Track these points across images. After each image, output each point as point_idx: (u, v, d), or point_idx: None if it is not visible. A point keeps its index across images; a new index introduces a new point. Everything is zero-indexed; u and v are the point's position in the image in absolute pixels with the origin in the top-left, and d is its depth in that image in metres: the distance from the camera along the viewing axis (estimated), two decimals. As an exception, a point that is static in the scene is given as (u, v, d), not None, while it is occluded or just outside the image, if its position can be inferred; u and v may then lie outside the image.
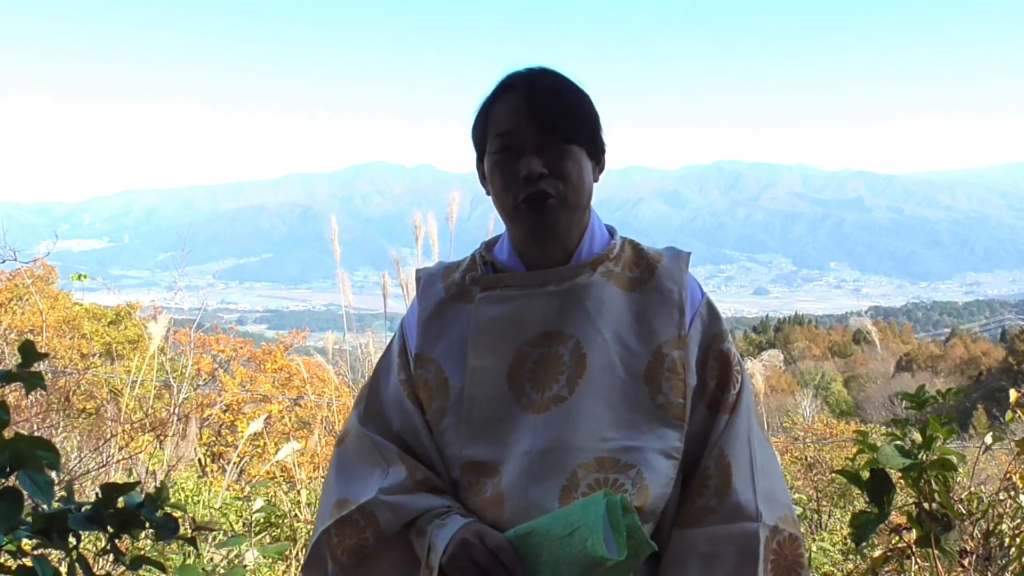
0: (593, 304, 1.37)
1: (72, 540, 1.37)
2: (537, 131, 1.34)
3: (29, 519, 1.34)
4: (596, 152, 1.41)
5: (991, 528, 2.53)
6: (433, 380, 1.40)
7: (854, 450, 2.87)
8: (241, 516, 4.32)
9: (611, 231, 1.48)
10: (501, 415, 1.35)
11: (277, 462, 5.43)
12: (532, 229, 1.37)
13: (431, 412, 1.39)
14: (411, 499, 1.34)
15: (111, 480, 4.02)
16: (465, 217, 4.08)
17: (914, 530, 2.15)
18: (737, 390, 1.40)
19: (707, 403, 1.39)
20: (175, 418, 5.23)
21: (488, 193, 1.42)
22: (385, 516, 1.35)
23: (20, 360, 1.35)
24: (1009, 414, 2.72)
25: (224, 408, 8.43)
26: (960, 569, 2.40)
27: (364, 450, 1.43)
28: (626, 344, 1.36)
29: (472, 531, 1.28)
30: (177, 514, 1.49)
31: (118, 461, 4.79)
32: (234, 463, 5.48)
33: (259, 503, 4.02)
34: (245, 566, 3.42)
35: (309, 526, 3.97)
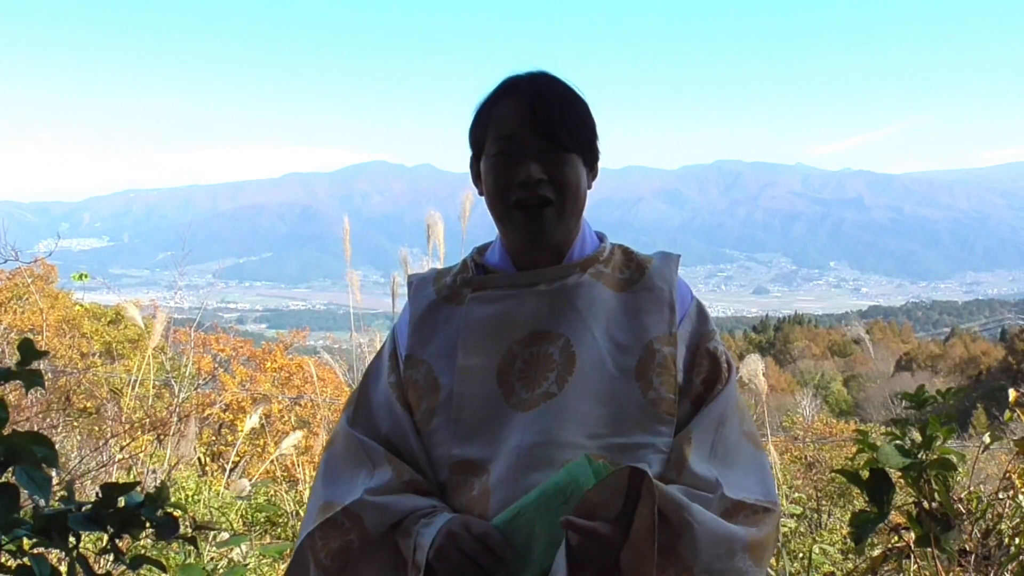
0: (583, 303, 1.38)
1: (72, 540, 1.37)
2: (538, 137, 1.35)
3: (29, 519, 1.34)
4: (592, 160, 1.42)
5: (990, 527, 2.54)
6: (423, 380, 1.40)
7: (854, 449, 2.88)
8: (240, 514, 4.33)
9: (601, 237, 1.49)
10: (491, 414, 1.35)
11: (279, 462, 5.44)
12: (526, 233, 1.38)
13: (420, 412, 1.39)
14: (397, 500, 1.34)
15: (111, 480, 4.03)
16: (464, 216, 4.07)
17: (913, 529, 2.16)
18: (722, 387, 1.40)
19: (692, 400, 1.39)
20: (175, 418, 5.23)
21: (481, 193, 1.43)
22: (370, 517, 1.34)
23: (19, 358, 1.36)
24: (1008, 414, 2.72)
25: (224, 407, 8.44)
26: (959, 568, 2.40)
27: (351, 451, 1.42)
28: (616, 341, 1.36)
29: (458, 523, 1.28)
30: (177, 514, 1.49)
31: (118, 461, 4.79)
32: (234, 462, 5.48)
33: (244, 484, 3.99)
34: (246, 565, 3.42)
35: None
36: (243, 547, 3.44)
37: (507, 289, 1.40)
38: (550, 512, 1.22)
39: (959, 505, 2.37)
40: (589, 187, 1.43)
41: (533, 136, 1.35)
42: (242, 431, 8.10)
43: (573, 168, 1.37)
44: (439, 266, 4.44)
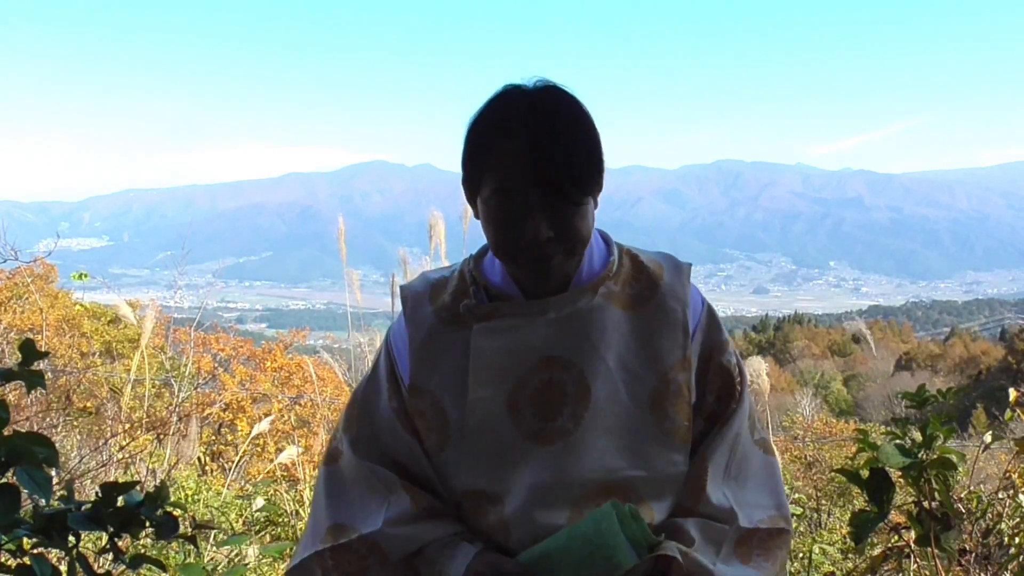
0: (596, 330, 1.32)
1: (72, 539, 1.37)
2: (542, 191, 1.22)
3: (29, 518, 1.34)
4: (600, 186, 1.30)
5: (990, 527, 2.54)
6: (430, 412, 1.34)
7: (854, 449, 2.87)
8: (242, 515, 4.33)
9: (607, 240, 1.41)
10: (502, 443, 1.31)
11: (279, 461, 5.43)
12: (532, 278, 1.31)
13: (429, 443, 1.35)
14: (418, 530, 1.32)
15: (111, 479, 4.03)
16: (465, 217, 4.06)
17: (913, 529, 2.15)
18: (735, 404, 1.38)
19: (705, 417, 1.36)
20: (175, 417, 5.24)
21: (476, 216, 1.32)
22: (390, 546, 1.32)
23: (20, 359, 1.36)
24: (1008, 413, 2.72)
25: (224, 407, 8.44)
26: (959, 568, 2.40)
27: (361, 477, 1.38)
28: (630, 368, 1.32)
29: (486, 562, 1.26)
30: (177, 513, 1.49)
31: (118, 460, 4.79)
32: (235, 462, 5.48)
33: (260, 502, 4.01)
34: (246, 564, 3.42)
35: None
36: (250, 549, 3.43)
37: (516, 318, 1.32)
38: (576, 561, 1.22)
39: (959, 505, 2.37)
40: (596, 206, 1.31)
41: (537, 191, 1.21)
42: (242, 431, 8.11)
43: (583, 217, 1.25)
44: (441, 266, 4.44)
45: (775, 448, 1.60)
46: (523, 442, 1.30)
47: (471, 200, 1.33)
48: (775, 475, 1.43)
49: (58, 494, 1.52)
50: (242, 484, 5.55)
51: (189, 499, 4.37)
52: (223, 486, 4.96)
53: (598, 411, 1.30)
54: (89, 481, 4.34)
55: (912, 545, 2.26)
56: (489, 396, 1.31)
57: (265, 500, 4.36)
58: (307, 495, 4.40)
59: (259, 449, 7.22)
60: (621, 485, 1.29)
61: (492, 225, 1.27)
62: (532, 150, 1.20)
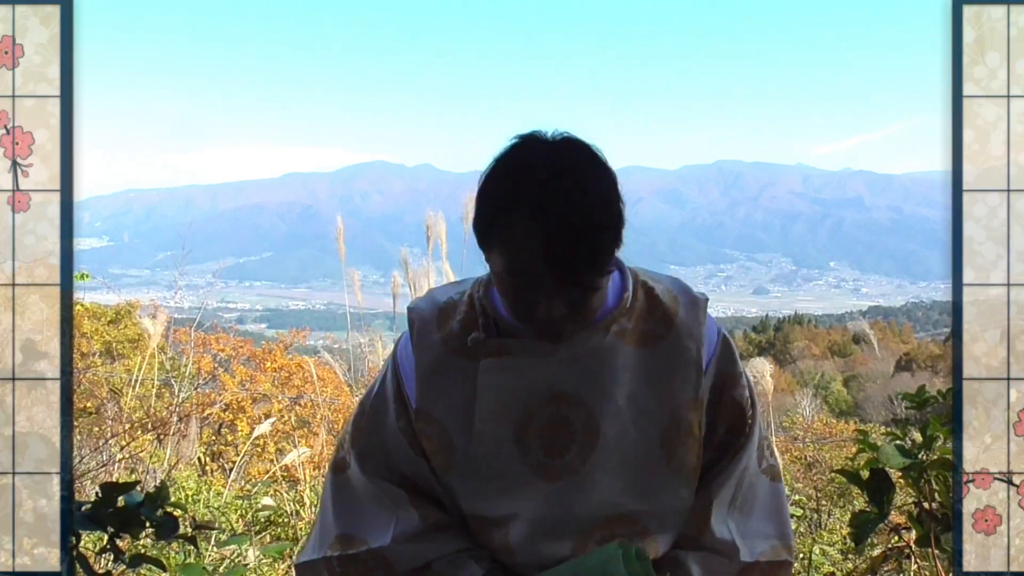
0: (607, 370, 1.29)
1: (72, 539, 1.37)
2: (556, 278, 1.14)
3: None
4: (619, 247, 1.22)
5: (991, 528, 2.53)
6: (436, 438, 1.33)
7: (854, 449, 2.88)
8: (243, 516, 4.33)
9: (622, 271, 1.34)
10: (507, 474, 1.31)
11: (285, 463, 5.45)
12: (544, 340, 1.27)
13: (435, 463, 1.35)
14: (425, 545, 1.33)
15: (111, 480, 4.03)
16: (466, 218, 4.06)
17: (914, 530, 2.15)
18: (745, 438, 1.37)
19: (715, 447, 1.36)
20: (175, 417, 5.24)
21: (487, 261, 1.25)
22: (399, 562, 1.33)
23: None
24: (1009, 414, 2.72)
25: (224, 407, 8.45)
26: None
27: (369, 492, 1.38)
28: (641, 406, 1.30)
29: None
30: (177, 513, 1.49)
31: (118, 461, 4.80)
32: (235, 463, 5.48)
33: (267, 500, 4.02)
34: (246, 565, 3.43)
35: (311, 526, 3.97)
36: (250, 550, 3.44)
37: (525, 356, 1.30)
38: None
39: (959, 505, 2.36)
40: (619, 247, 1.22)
41: (551, 275, 1.14)
42: (242, 431, 8.12)
43: (600, 293, 1.21)
44: (441, 266, 4.44)
45: (779, 460, 1.62)
46: (529, 475, 1.30)
47: (484, 249, 1.26)
48: (780, 503, 1.43)
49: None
50: (242, 484, 5.56)
51: (189, 499, 4.37)
52: (223, 487, 4.96)
53: (606, 450, 1.29)
54: (89, 481, 4.34)
55: (912, 546, 2.26)
56: (496, 428, 1.31)
57: (268, 500, 4.37)
58: (307, 496, 4.40)
59: (259, 450, 7.22)
60: (626, 518, 1.30)
61: (504, 296, 1.24)
62: (546, 231, 1.11)
